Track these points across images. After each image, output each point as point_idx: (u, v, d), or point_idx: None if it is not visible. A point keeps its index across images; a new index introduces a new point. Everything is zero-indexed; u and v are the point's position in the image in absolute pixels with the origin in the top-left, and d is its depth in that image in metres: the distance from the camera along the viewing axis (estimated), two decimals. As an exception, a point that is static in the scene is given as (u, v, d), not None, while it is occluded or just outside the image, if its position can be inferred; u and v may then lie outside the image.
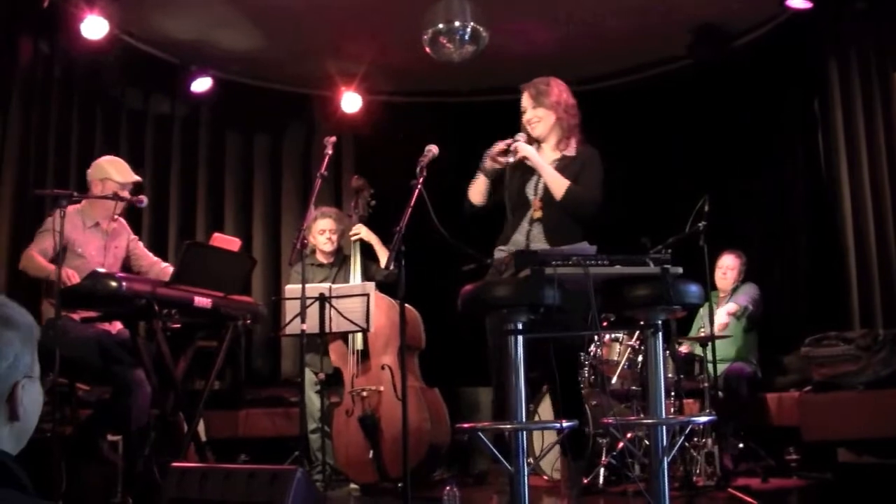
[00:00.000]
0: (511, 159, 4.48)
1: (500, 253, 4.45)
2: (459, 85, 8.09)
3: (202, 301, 4.67)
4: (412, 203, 4.11)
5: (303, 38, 7.27)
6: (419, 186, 4.13)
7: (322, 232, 6.27)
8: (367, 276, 6.05)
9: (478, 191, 4.58)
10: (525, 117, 4.58)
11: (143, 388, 4.72)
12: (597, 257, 3.61)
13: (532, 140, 4.57)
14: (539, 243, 4.37)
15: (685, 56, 7.59)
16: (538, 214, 4.43)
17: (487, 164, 4.52)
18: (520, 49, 7.28)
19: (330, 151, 5.05)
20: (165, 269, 5.31)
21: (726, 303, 6.46)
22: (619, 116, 7.98)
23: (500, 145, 4.50)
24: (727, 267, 6.54)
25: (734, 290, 6.58)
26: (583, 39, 7.34)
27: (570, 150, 4.55)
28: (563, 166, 4.49)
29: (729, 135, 7.61)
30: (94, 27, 6.52)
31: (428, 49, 6.65)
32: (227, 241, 5.06)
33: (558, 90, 4.56)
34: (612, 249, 3.72)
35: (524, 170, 4.54)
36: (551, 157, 4.54)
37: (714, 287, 6.05)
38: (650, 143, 7.87)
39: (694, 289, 3.72)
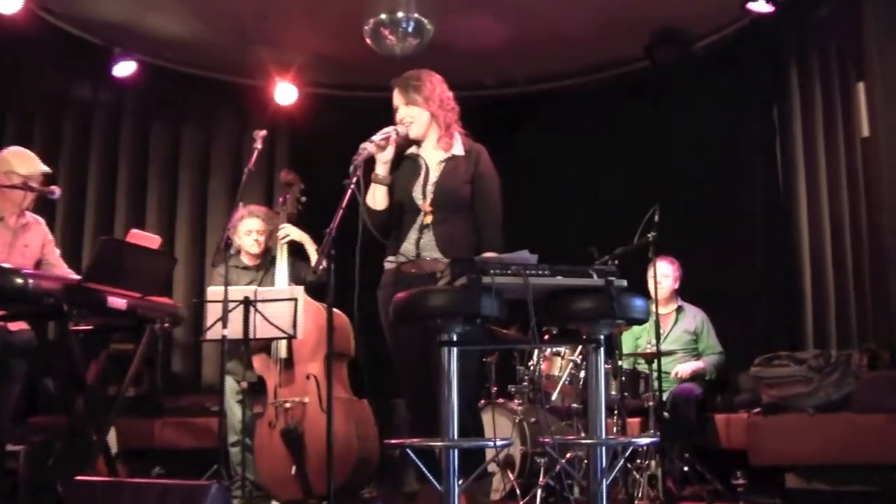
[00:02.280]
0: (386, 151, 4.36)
1: (389, 265, 4.40)
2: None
3: (117, 301, 4.58)
4: (344, 203, 4.10)
5: (237, 23, 7.25)
6: (352, 186, 4.12)
7: (249, 233, 6.22)
8: (295, 278, 6.03)
9: (378, 197, 4.39)
10: (398, 116, 4.49)
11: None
12: (538, 267, 3.61)
13: (410, 141, 4.50)
14: (431, 252, 4.30)
15: (642, 58, 7.68)
16: (428, 220, 4.35)
17: (380, 171, 4.38)
18: (468, 44, 7.33)
19: (259, 146, 5.02)
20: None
21: (673, 325, 6.55)
22: (571, 118, 8.07)
23: (374, 146, 4.33)
24: (662, 274, 6.48)
25: (679, 312, 6.65)
26: (535, 36, 7.42)
27: (458, 148, 4.46)
28: (453, 167, 4.41)
29: (684, 141, 7.71)
30: (7, 1, 6.42)
31: (369, 41, 6.67)
32: (146, 238, 5.00)
33: (431, 84, 4.47)
34: (557, 258, 3.74)
35: (408, 169, 4.47)
36: (437, 158, 4.45)
37: (650, 297, 6.10)
38: (602, 147, 7.95)
39: (639, 303, 3.74)
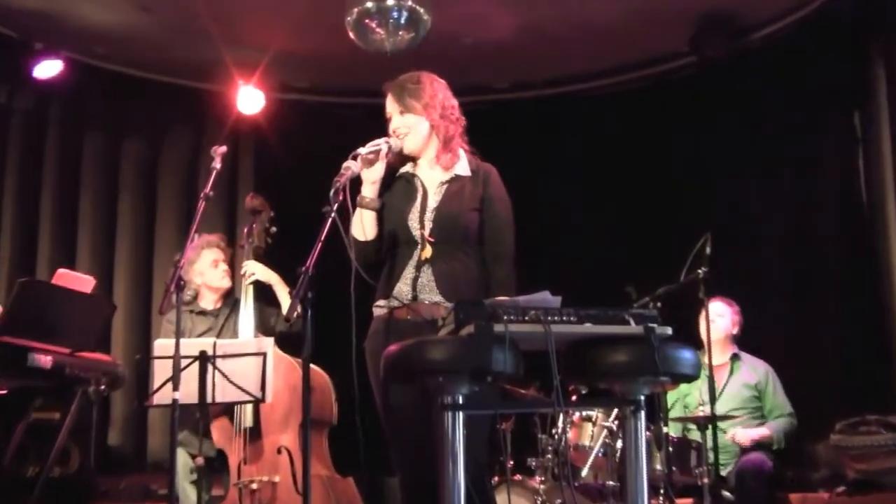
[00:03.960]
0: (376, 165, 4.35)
1: (379, 310, 4.37)
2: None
3: (41, 358, 4.61)
4: (323, 235, 4.10)
5: (190, 12, 7.27)
6: (332, 214, 4.12)
7: (215, 264, 6.28)
8: (263, 327, 6.06)
9: (366, 224, 4.38)
10: (391, 126, 4.48)
11: None
12: (562, 311, 3.57)
13: (405, 157, 4.50)
14: (430, 295, 4.27)
15: (686, 53, 7.77)
16: (427, 254, 4.32)
17: (367, 193, 4.37)
18: (473, 39, 7.38)
19: (218, 165, 5.01)
20: None
21: (728, 378, 6.54)
22: (600, 127, 8.11)
23: (361, 161, 4.30)
24: (716, 313, 6.54)
25: (735, 361, 6.67)
26: (555, 28, 7.49)
27: (462, 168, 4.46)
28: (456, 190, 4.40)
29: (740, 155, 7.77)
30: None
31: (353, 35, 6.71)
32: (77, 280, 5.02)
33: (432, 89, 4.46)
34: (585, 300, 3.75)
35: (402, 192, 4.47)
36: (438, 179, 4.44)
37: (701, 346, 6.10)
38: (639, 162, 8.03)
39: (688, 355, 3.71)
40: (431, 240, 4.33)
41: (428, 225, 4.36)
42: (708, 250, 5.58)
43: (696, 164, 7.84)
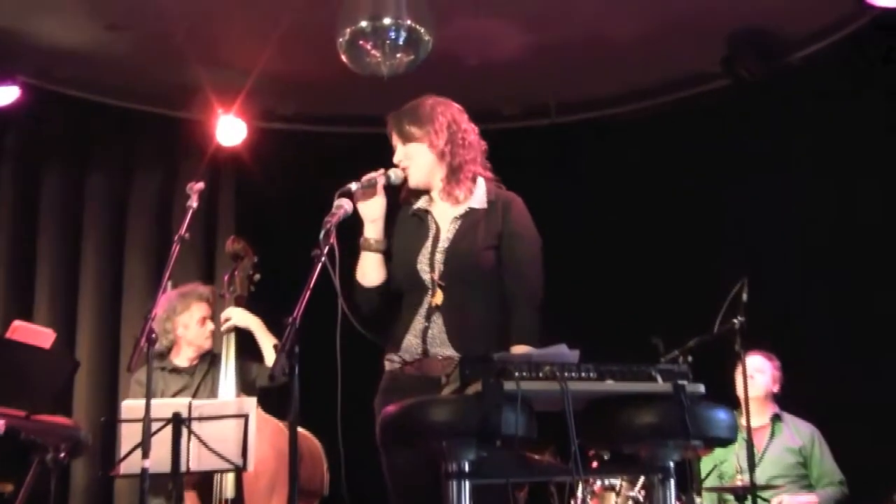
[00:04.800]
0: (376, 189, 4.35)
1: (390, 364, 4.37)
2: (391, 109, 8.15)
3: (-7, 421, 4.61)
4: (312, 282, 4.08)
5: (163, 31, 7.30)
6: (323, 257, 4.10)
7: (203, 321, 6.28)
8: (245, 385, 6.05)
9: (369, 268, 4.41)
10: (395, 159, 4.48)
11: None
12: (580, 367, 3.56)
13: (418, 192, 4.49)
14: (441, 348, 4.25)
15: (719, 74, 7.76)
16: (437, 300, 4.30)
17: (370, 234, 4.38)
18: (478, 61, 7.38)
19: (195, 204, 5.02)
20: None
21: (769, 441, 6.55)
22: (622, 158, 8.11)
23: (358, 190, 4.30)
24: (755, 369, 6.58)
25: (776, 422, 6.65)
26: (570, 49, 7.55)
27: (478, 199, 4.43)
28: (469, 225, 4.38)
29: (778, 187, 7.71)
30: None
31: (345, 58, 6.71)
32: (34, 334, 5.02)
33: (434, 112, 4.44)
34: (606, 354, 3.74)
35: (413, 231, 4.46)
36: (451, 214, 4.42)
37: (737, 405, 6.06)
38: (665, 196, 8.07)
39: (723, 416, 3.69)
40: (442, 284, 4.31)
41: (438, 267, 4.33)
42: (745, 297, 5.57)
43: (729, 198, 7.79)
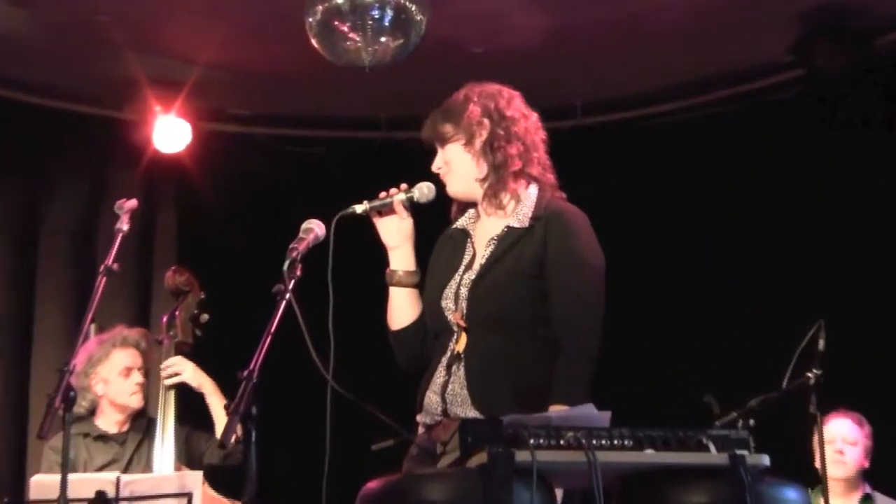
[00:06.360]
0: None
1: (420, 429, 4.33)
2: (373, 107, 8.19)
3: None
4: (274, 326, 4.03)
5: (85, 11, 7.24)
6: (287, 294, 4.06)
7: (127, 372, 6.17)
8: (189, 456, 6.01)
9: (396, 307, 4.47)
10: (433, 167, 4.52)
11: None
12: (612, 432, 3.55)
13: (467, 206, 4.52)
14: (461, 407, 4.24)
15: (789, 64, 7.83)
16: (460, 347, 4.29)
17: (396, 265, 4.46)
18: (485, 48, 7.36)
19: (126, 226, 4.97)
20: None
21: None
22: (663, 168, 8.08)
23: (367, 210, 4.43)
24: (843, 439, 6.48)
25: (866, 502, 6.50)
26: (600, 36, 7.47)
27: (521, 215, 4.39)
28: (503, 250, 4.35)
29: (862, 202, 7.69)
30: None
31: (316, 42, 6.65)
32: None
33: (471, 98, 4.51)
34: (647, 417, 3.69)
35: (448, 257, 4.50)
36: (491, 233, 4.41)
37: (817, 481, 6.02)
38: (719, 216, 8.02)
39: (792, 496, 3.69)
40: (464, 325, 4.26)
41: (462, 304, 4.30)
42: (821, 343, 5.52)
43: (800, 219, 7.74)
